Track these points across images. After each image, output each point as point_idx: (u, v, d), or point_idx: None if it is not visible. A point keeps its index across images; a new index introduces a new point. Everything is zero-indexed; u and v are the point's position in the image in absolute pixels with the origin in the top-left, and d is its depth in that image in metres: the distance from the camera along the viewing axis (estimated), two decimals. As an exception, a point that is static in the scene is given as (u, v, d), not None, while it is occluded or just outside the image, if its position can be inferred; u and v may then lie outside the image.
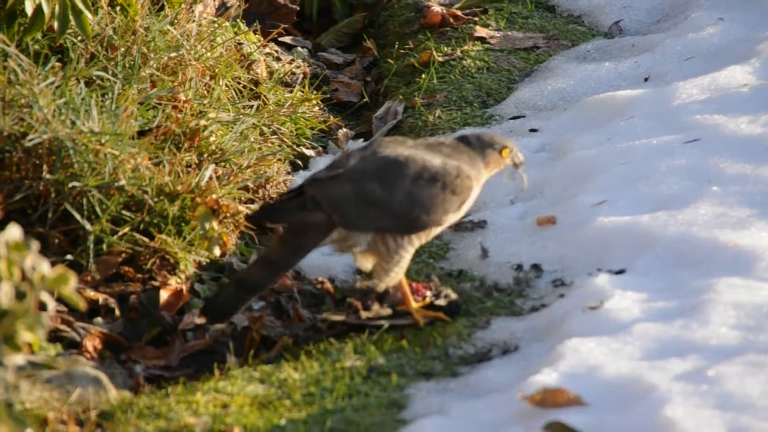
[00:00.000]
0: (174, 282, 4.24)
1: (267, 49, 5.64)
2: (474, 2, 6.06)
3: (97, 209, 4.25)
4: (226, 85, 5.15)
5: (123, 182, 4.28)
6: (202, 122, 4.71)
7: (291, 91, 5.48)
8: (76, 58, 4.67)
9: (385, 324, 4.10)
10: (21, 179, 4.27)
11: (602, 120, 5.05)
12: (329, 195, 3.92)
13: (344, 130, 5.50)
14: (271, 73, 5.49)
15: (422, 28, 5.95)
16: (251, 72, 5.39)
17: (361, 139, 5.45)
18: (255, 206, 4.63)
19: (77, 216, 4.24)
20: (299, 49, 5.97)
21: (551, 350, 3.73)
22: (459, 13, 5.96)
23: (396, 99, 5.60)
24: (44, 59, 4.67)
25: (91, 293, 4.16)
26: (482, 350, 3.95)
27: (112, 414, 3.74)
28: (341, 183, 3.93)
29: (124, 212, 4.29)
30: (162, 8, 5.19)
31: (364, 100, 5.75)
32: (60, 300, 3.76)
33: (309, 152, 5.28)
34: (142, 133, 4.56)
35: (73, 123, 4.30)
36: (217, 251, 4.36)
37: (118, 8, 4.97)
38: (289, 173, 5.02)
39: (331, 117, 5.55)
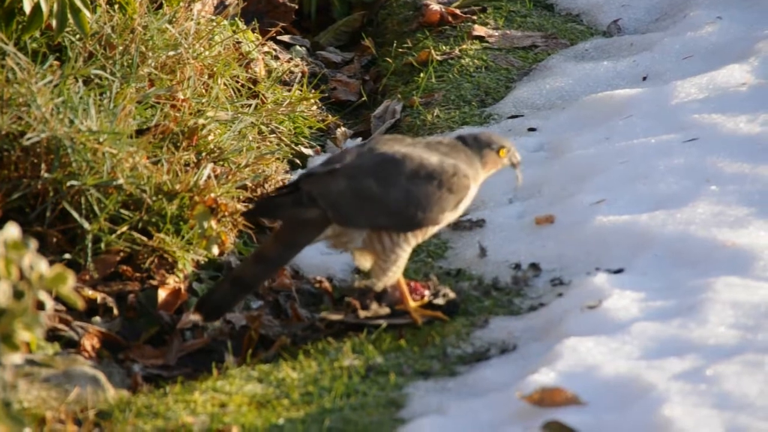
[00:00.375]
0: (172, 281, 4.23)
1: (265, 48, 5.64)
2: (472, 1, 6.06)
3: (96, 208, 4.25)
4: (225, 84, 5.14)
5: (121, 181, 4.27)
6: (201, 121, 4.71)
7: (289, 90, 5.47)
8: (74, 57, 4.66)
9: (384, 323, 4.10)
10: (19, 178, 4.27)
11: (601, 119, 5.05)
12: (325, 191, 3.92)
13: (342, 129, 5.50)
14: (269, 72, 5.49)
15: (421, 27, 5.95)
16: (249, 71, 5.39)
17: (360, 138, 5.45)
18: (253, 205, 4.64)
19: (75, 215, 4.23)
20: (297, 47, 5.97)
21: (549, 349, 3.73)
22: (457, 11, 5.96)
23: (394, 98, 5.59)
24: (42, 58, 4.67)
25: (89, 292, 4.16)
26: (480, 349, 3.95)
27: (110, 413, 3.74)
28: (337, 179, 3.93)
29: (122, 211, 4.29)
30: (160, 6, 5.19)
31: (363, 99, 5.74)
32: (58, 299, 3.76)
33: (307, 151, 5.28)
34: (140, 132, 4.56)
35: (72, 122, 4.30)
36: (215, 250, 4.36)
37: (116, 6, 4.96)
38: (287, 172, 5.02)
39: (330, 116, 5.55)
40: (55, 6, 4.51)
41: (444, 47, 5.77)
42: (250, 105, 5.14)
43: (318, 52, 6.06)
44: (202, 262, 4.35)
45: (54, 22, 4.53)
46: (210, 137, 4.72)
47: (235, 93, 5.21)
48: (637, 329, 3.75)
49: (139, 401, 3.79)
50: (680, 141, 4.73)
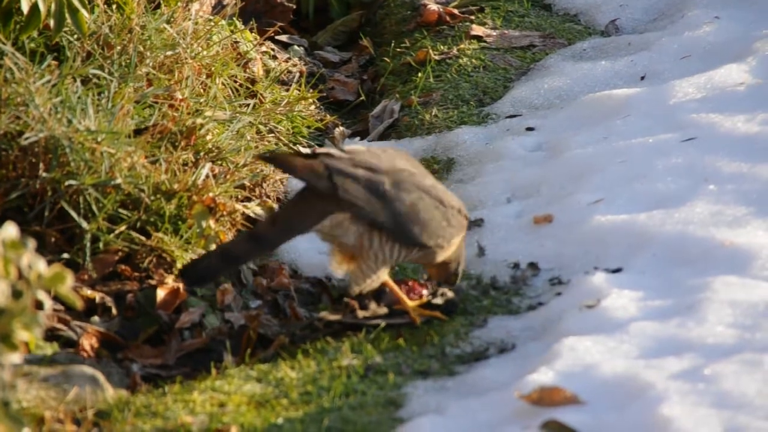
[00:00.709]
0: (171, 280, 4.23)
1: (263, 48, 5.64)
2: (470, 1, 6.06)
3: (94, 208, 4.25)
4: (223, 84, 5.14)
5: (119, 181, 4.27)
6: (199, 121, 4.70)
7: (287, 90, 5.47)
8: (72, 57, 4.66)
9: (382, 323, 4.10)
10: (17, 178, 4.26)
11: (599, 118, 5.05)
12: (341, 170, 3.92)
13: (341, 128, 5.50)
14: (267, 72, 5.49)
15: (419, 27, 5.95)
16: (248, 70, 5.39)
17: (358, 138, 5.45)
18: (251, 205, 4.64)
19: (74, 214, 4.23)
20: (296, 47, 5.97)
21: (548, 349, 3.74)
22: (455, 11, 5.96)
23: (392, 97, 5.59)
24: (40, 57, 4.67)
25: (87, 292, 4.16)
26: (479, 349, 3.95)
27: (109, 413, 3.73)
28: (355, 168, 3.93)
29: (120, 211, 4.29)
30: (158, 6, 5.19)
31: (361, 98, 5.74)
32: (57, 299, 3.77)
33: (305, 151, 5.28)
34: (138, 132, 4.56)
35: (70, 121, 4.30)
36: (213, 250, 4.36)
37: (114, 6, 4.96)
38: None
39: (328, 115, 5.55)
40: (53, 6, 4.51)
41: (442, 47, 5.77)
42: (248, 104, 5.14)
43: (316, 52, 6.06)
44: (201, 262, 4.35)
45: (52, 22, 4.53)
46: (208, 137, 4.71)
47: (233, 93, 5.20)
48: (636, 328, 3.75)
49: (137, 401, 3.79)
50: (678, 140, 4.73)
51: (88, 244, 4.23)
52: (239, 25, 5.54)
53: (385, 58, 5.86)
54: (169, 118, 4.66)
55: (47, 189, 4.25)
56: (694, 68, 5.29)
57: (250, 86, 5.33)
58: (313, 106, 5.49)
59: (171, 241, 4.29)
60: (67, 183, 4.23)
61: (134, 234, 4.28)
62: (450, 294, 4.16)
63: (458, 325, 4.08)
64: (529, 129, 5.15)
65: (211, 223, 4.35)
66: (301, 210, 3.97)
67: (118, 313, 4.18)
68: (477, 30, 5.85)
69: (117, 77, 4.72)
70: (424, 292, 4.18)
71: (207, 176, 4.45)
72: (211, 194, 4.40)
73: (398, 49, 5.86)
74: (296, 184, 4.75)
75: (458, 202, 4.08)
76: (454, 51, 5.73)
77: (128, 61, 4.80)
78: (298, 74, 5.71)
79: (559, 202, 4.56)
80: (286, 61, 5.73)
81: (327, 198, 3.93)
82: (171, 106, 4.78)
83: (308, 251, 4.52)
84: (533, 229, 4.47)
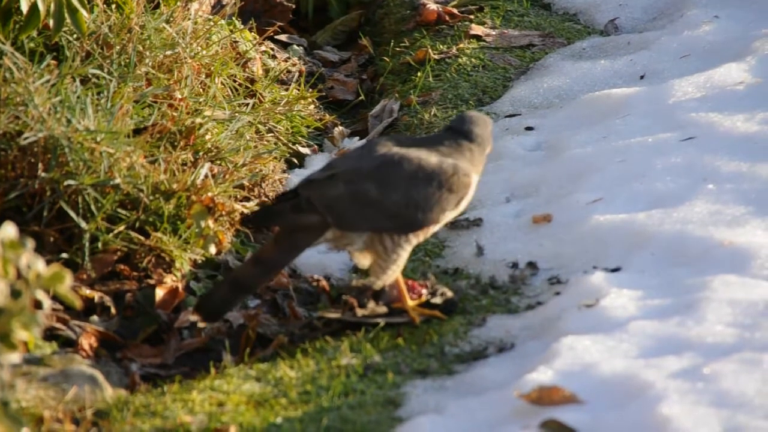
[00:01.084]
0: (169, 280, 4.23)
1: (263, 47, 5.64)
2: (469, 0, 6.06)
3: (93, 207, 4.25)
4: (222, 83, 5.14)
5: (118, 180, 4.27)
6: (198, 120, 4.70)
7: (287, 89, 5.47)
8: (71, 56, 4.66)
9: (381, 322, 4.09)
10: (16, 177, 4.26)
11: (598, 118, 5.05)
12: (324, 196, 3.92)
13: (340, 128, 5.50)
14: (266, 71, 5.49)
15: (418, 26, 5.95)
16: (247, 70, 5.39)
17: (357, 137, 5.45)
18: (250, 204, 4.63)
19: (72, 214, 4.23)
20: (295, 47, 5.97)
21: (547, 348, 3.73)
22: (455, 11, 5.96)
23: (392, 97, 5.59)
24: (39, 57, 4.67)
25: (86, 291, 4.16)
26: (478, 348, 3.95)
27: (108, 412, 3.73)
28: (336, 183, 3.93)
29: (119, 210, 4.29)
30: (157, 6, 5.19)
31: (360, 98, 5.74)
32: (55, 298, 3.77)
33: (305, 150, 5.28)
34: (137, 132, 4.56)
35: (69, 121, 4.30)
36: (212, 249, 4.36)
37: (113, 6, 4.96)
38: (284, 171, 5.02)
39: (327, 115, 5.55)
40: (52, 6, 4.51)
41: (441, 46, 5.77)
42: (247, 104, 5.14)
43: (315, 51, 6.06)
44: (200, 261, 4.35)
45: (51, 22, 4.53)
46: (207, 136, 4.71)
47: (232, 92, 5.20)
48: (635, 327, 3.75)
49: (137, 400, 3.79)
50: (677, 140, 4.73)
51: (87, 244, 4.23)
52: (238, 24, 5.54)
53: (385, 58, 5.86)
54: (168, 117, 4.66)
55: (46, 189, 4.25)
56: (694, 67, 5.29)
57: (250, 86, 5.33)
58: (312, 106, 5.48)
59: (170, 241, 4.29)
60: (66, 183, 4.23)
61: (133, 234, 4.28)
62: (449, 293, 4.16)
63: (457, 324, 4.08)
64: (529, 128, 5.15)
65: (210, 222, 4.35)
66: (301, 229, 3.97)
67: (117, 312, 4.18)
68: (476, 29, 5.85)
69: (116, 77, 4.72)
70: (424, 291, 4.18)
71: (206, 176, 4.45)
72: (210, 194, 4.40)
73: (397, 49, 5.86)
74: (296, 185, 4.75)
75: (453, 166, 3.94)
76: (454, 50, 5.73)
77: (127, 60, 4.80)
78: (297, 74, 5.71)
79: (558, 202, 4.56)
80: (286, 61, 5.73)
81: (322, 219, 3.94)
82: (170, 105, 4.78)
83: (307, 251, 4.51)
84: (532, 229, 4.47)
